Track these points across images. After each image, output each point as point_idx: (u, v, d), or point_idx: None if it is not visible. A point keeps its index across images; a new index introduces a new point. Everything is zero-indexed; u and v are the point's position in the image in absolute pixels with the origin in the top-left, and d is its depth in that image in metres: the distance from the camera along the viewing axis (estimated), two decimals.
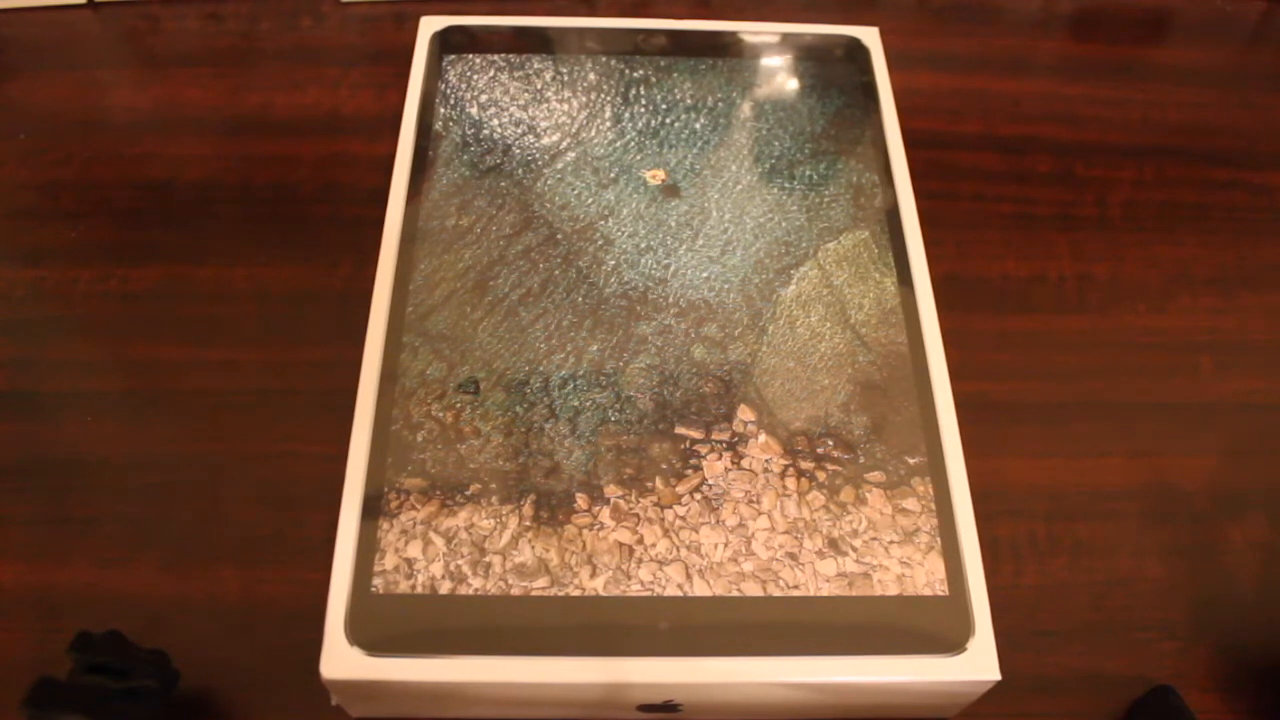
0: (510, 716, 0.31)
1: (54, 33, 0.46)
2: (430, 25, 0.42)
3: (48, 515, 0.34)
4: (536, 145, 0.38)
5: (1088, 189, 0.43)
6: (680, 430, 0.32)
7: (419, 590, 0.29)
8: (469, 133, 0.38)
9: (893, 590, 0.29)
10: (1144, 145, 0.44)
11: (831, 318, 0.34)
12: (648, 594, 0.29)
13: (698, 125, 0.39)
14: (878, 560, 0.30)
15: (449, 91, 0.40)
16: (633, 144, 0.38)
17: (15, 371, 0.37)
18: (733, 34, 0.42)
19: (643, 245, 0.36)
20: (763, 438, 0.32)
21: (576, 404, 0.32)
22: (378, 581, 0.29)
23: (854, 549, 0.30)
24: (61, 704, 0.26)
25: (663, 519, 0.30)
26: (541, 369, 0.33)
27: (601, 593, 0.29)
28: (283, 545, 0.33)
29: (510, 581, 0.29)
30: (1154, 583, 0.34)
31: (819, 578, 0.30)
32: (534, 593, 0.29)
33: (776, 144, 0.39)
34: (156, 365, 0.37)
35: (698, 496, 0.31)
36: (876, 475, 0.31)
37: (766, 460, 0.32)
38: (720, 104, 0.40)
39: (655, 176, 0.37)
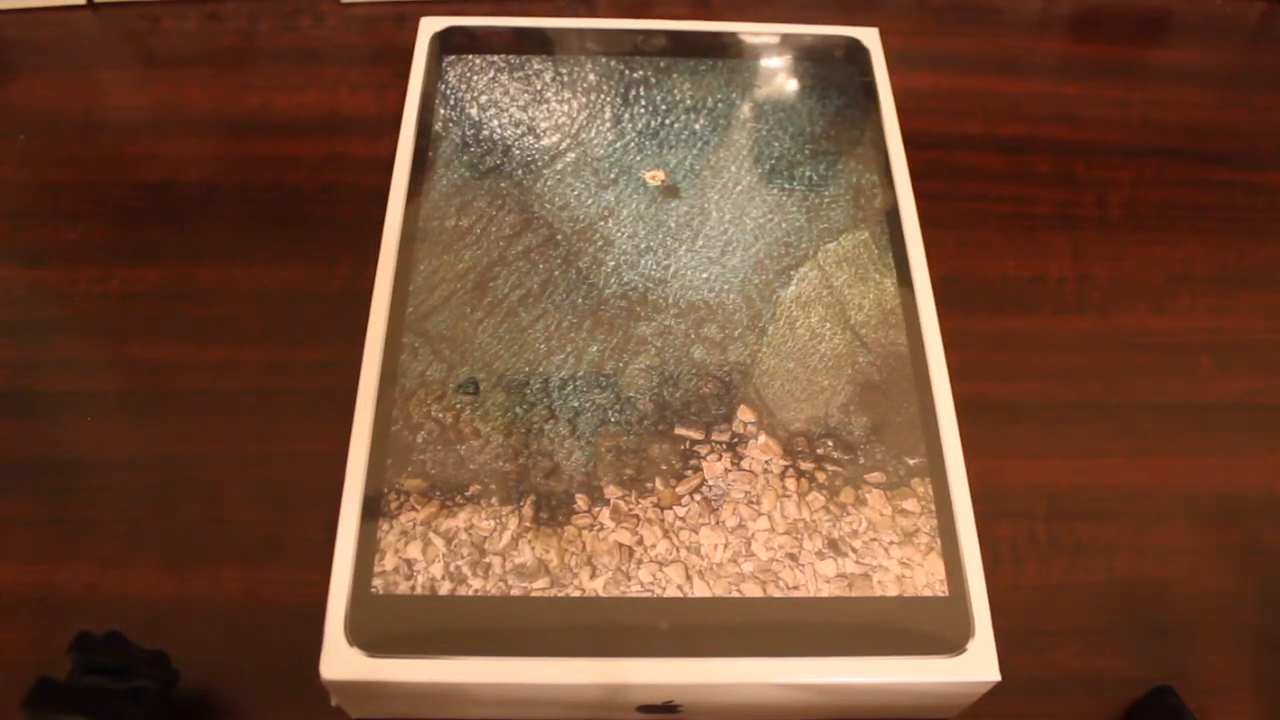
0: (510, 717, 0.31)
1: (54, 33, 0.46)
2: (430, 26, 0.42)
3: (48, 515, 0.34)
4: (536, 146, 0.38)
5: (1088, 189, 0.43)
6: (680, 431, 0.32)
7: (419, 591, 0.29)
8: (469, 133, 0.38)
9: (893, 591, 0.29)
10: (1144, 145, 0.44)
11: (831, 318, 0.34)
12: (647, 595, 0.29)
13: (697, 126, 0.39)
14: (877, 561, 0.30)
15: (449, 92, 0.40)
16: (632, 145, 0.38)
17: (15, 371, 0.37)
18: (732, 35, 0.42)
19: (642, 246, 0.36)
20: (762, 438, 0.32)
21: (576, 405, 0.32)
22: (377, 582, 0.29)
23: (854, 550, 0.30)
24: (61, 704, 0.26)
25: (662, 520, 0.30)
26: (541, 370, 0.33)
27: (601, 594, 0.29)
28: (283, 545, 0.33)
29: (510, 582, 0.29)
30: (1154, 583, 0.34)
31: (819, 578, 0.30)
32: (534, 594, 0.29)
33: (776, 145, 0.39)
34: (156, 365, 0.37)
35: (697, 497, 0.31)
36: (876, 476, 0.31)
37: (766, 461, 0.32)
38: (720, 105, 0.40)
39: (655, 177, 0.37)
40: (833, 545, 0.30)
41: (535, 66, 0.41)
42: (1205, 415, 0.37)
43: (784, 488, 0.31)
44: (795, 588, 0.29)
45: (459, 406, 0.32)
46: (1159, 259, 0.41)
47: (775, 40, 0.42)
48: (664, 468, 0.31)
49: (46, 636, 0.32)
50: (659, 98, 0.40)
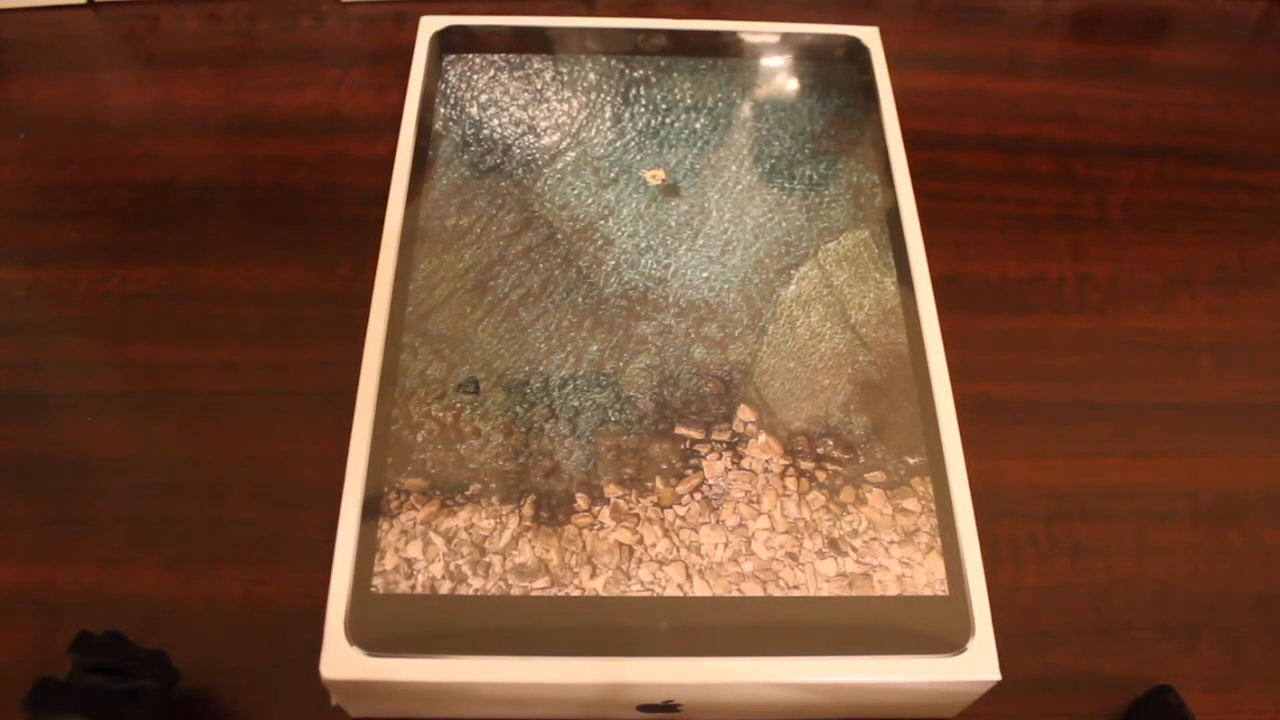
0: (510, 716, 0.31)
1: (54, 33, 0.46)
2: (430, 25, 0.42)
3: (48, 515, 0.34)
4: (536, 145, 0.38)
5: (1088, 189, 0.43)
6: (680, 430, 0.32)
7: (419, 590, 0.29)
8: (469, 133, 0.38)
9: (893, 590, 0.29)
10: (1144, 145, 0.44)
11: (831, 318, 0.34)
12: (648, 594, 0.29)
13: (698, 125, 0.39)
14: (878, 560, 0.30)
15: (449, 91, 0.40)
16: (633, 144, 0.38)
17: (15, 372, 0.37)
18: (733, 34, 0.42)
19: (643, 245, 0.36)
20: (763, 438, 0.32)
21: (576, 404, 0.32)
22: (378, 582, 0.29)
23: (854, 549, 0.30)
24: (61, 704, 0.26)
25: (663, 519, 0.30)
26: (541, 369, 0.33)
27: (601, 593, 0.29)
28: (283, 546, 0.33)
29: (510, 582, 0.29)
30: (1154, 583, 0.34)
31: (819, 578, 0.30)
32: (534, 593, 0.29)
33: (776, 144, 0.39)
34: (156, 365, 0.37)
35: (698, 496, 0.31)
36: (876, 475, 0.31)
37: (766, 460, 0.32)
38: (720, 104, 0.40)
39: (655, 176, 0.37)
40: (833, 544, 0.30)
41: (535, 66, 0.41)
42: (1205, 415, 0.37)
43: (784, 487, 0.31)
44: (795, 587, 0.29)
45: (459, 406, 0.32)
46: (1159, 259, 0.41)
47: (775, 39, 0.42)
48: (664, 467, 0.31)
49: (46, 636, 0.32)
50: (659, 97, 0.40)
